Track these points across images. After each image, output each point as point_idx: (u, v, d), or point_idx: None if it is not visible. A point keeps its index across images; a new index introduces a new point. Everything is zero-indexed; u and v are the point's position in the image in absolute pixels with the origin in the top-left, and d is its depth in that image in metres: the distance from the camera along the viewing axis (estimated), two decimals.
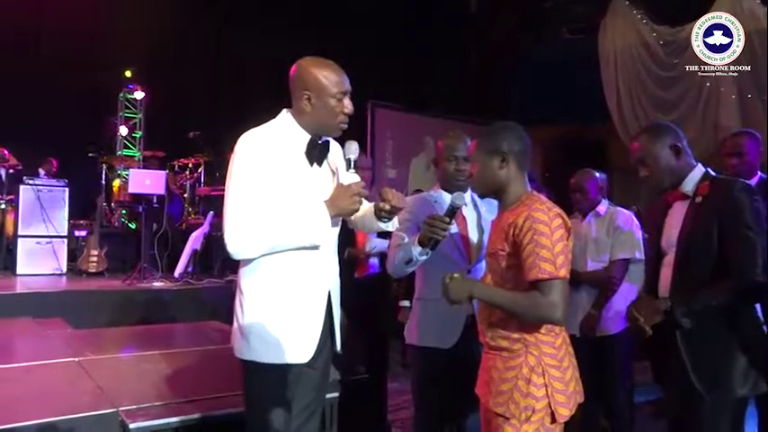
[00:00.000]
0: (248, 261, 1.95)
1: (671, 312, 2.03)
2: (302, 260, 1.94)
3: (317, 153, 2.00)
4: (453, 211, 2.14)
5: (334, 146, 2.09)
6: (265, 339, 1.91)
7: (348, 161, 2.00)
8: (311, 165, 1.99)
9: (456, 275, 1.89)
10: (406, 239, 2.36)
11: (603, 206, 3.48)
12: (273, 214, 1.88)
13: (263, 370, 1.92)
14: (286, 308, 1.93)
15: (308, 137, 1.98)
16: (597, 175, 3.54)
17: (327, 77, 1.95)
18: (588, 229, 3.45)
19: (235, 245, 1.88)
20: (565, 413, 1.84)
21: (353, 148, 2.00)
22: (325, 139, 2.03)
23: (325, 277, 2.00)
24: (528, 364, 1.85)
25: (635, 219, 3.44)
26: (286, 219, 1.89)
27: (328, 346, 2.05)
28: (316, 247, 1.93)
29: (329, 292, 2.01)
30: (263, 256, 1.92)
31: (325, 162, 2.04)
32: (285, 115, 2.02)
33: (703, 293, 2.04)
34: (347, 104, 1.97)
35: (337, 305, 2.06)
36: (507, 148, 1.97)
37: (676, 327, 2.05)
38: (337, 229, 2.07)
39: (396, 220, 2.08)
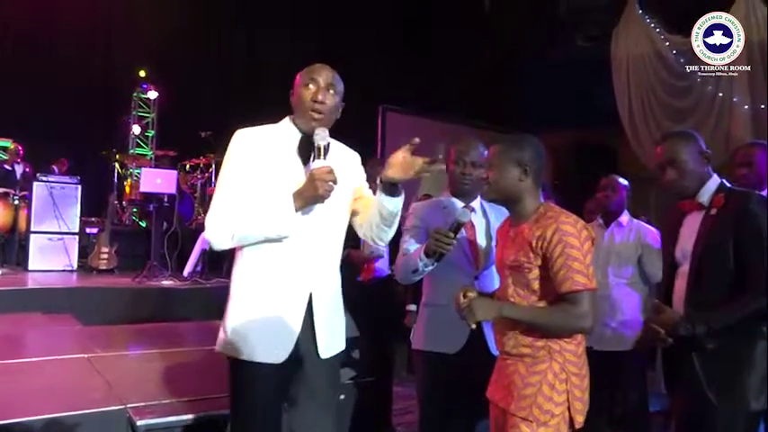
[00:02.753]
0: (238, 263, 1.98)
1: (693, 334, 2.01)
2: (282, 260, 1.92)
3: (310, 151, 1.97)
4: (458, 227, 2.17)
5: (340, 149, 2.09)
6: (241, 336, 1.92)
7: (318, 149, 1.90)
8: (305, 164, 1.97)
9: (471, 294, 1.92)
10: (412, 250, 2.38)
11: (626, 216, 3.53)
12: (246, 206, 1.89)
13: (238, 366, 1.94)
14: (262, 307, 1.92)
15: (299, 135, 2.00)
16: (626, 183, 3.61)
17: (303, 73, 2.00)
18: (611, 238, 3.48)
19: (209, 232, 1.94)
20: (581, 420, 1.87)
21: (323, 134, 1.92)
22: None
23: (307, 278, 1.95)
24: (553, 371, 1.87)
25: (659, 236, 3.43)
26: (254, 210, 1.89)
27: (314, 349, 1.96)
28: (280, 240, 1.90)
29: (311, 294, 1.95)
30: (247, 253, 1.94)
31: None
32: (286, 118, 2.06)
33: (722, 311, 2.02)
34: (316, 93, 1.93)
35: (324, 308, 1.98)
36: (529, 162, 1.99)
37: (698, 348, 2.04)
38: (324, 228, 2.00)
39: (397, 200, 2.06)
